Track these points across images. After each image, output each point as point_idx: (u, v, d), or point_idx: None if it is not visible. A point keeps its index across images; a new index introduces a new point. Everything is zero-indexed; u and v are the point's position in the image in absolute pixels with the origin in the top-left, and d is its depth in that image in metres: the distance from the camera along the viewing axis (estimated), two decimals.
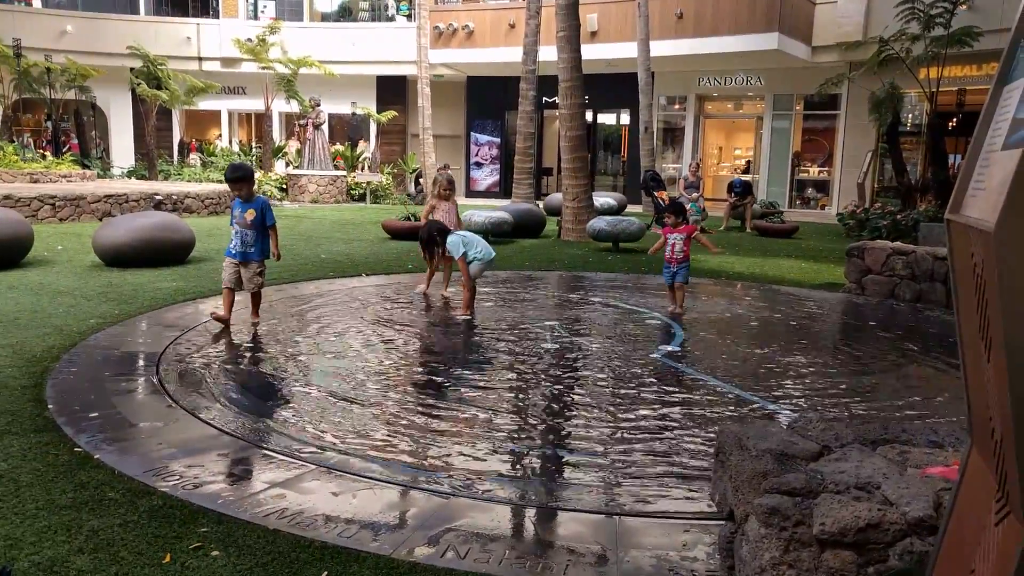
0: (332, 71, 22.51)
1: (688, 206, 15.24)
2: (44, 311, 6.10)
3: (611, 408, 4.27)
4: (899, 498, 1.87)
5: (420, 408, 4.19)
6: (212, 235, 11.35)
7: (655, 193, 15.35)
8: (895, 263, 8.10)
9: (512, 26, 21.09)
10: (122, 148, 26.37)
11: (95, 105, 26.05)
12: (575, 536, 2.79)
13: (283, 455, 3.42)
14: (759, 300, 7.92)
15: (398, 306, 7.03)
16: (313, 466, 3.31)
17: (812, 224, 17.02)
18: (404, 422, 3.94)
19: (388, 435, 3.74)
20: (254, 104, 25.11)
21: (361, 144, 25.46)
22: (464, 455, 3.50)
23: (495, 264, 7.39)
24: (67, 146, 24.00)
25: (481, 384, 4.71)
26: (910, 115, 19.82)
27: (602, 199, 16.69)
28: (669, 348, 5.69)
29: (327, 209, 18.41)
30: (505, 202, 16.88)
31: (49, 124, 24.40)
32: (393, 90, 25.43)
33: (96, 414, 3.86)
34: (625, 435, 3.84)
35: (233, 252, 5.94)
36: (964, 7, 15.05)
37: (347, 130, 26.55)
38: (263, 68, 22.56)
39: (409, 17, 25.48)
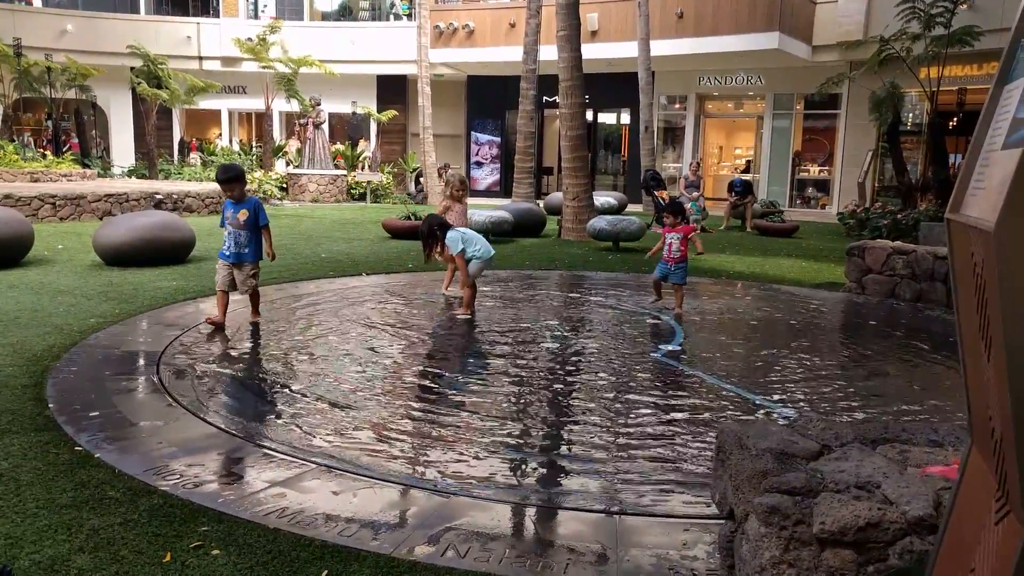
0: (332, 70, 22.50)
1: (689, 205, 15.30)
2: (44, 310, 6.11)
3: (611, 408, 4.27)
4: (899, 497, 1.87)
5: (420, 407, 4.19)
6: (212, 234, 11.34)
7: (655, 192, 15.35)
8: (895, 262, 8.11)
9: (512, 25, 21.09)
10: (122, 147, 26.38)
11: (95, 104, 26.05)
12: (575, 535, 2.79)
13: (283, 454, 3.42)
14: (759, 299, 7.92)
15: (398, 305, 7.03)
16: (313, 465, 3.31)
17: (812, 223, 17.01)
18: (404, 421, 3.94)
19: (388, 434, 3.74)
20: (254, 103, 25.11)
21: (361, 143, 25.47)
22: (464, 454, 3.51)
23: (495, 263, 7.38)
24: (67, 145, 23.99)
25: (481, 383, 4.72)
26: (911, 114, 19.81)
27: (602, 198, 16.69)
28: (669, 347, 5.69)
29: (327, 208, 18.41)
30: (505, 201, 16.89)
31: (49, 123, 24.38)
32: (393, 89, 25.42)
33: (96, 413, 3.86)
34: (625, 435, 3.84)
35: (227, 254, 5.87)
36: (965, 6, 15.05)
37: (347, 129, 26.55)
38: (263, 67, 22.56)
39: (410, 16, 25.48)
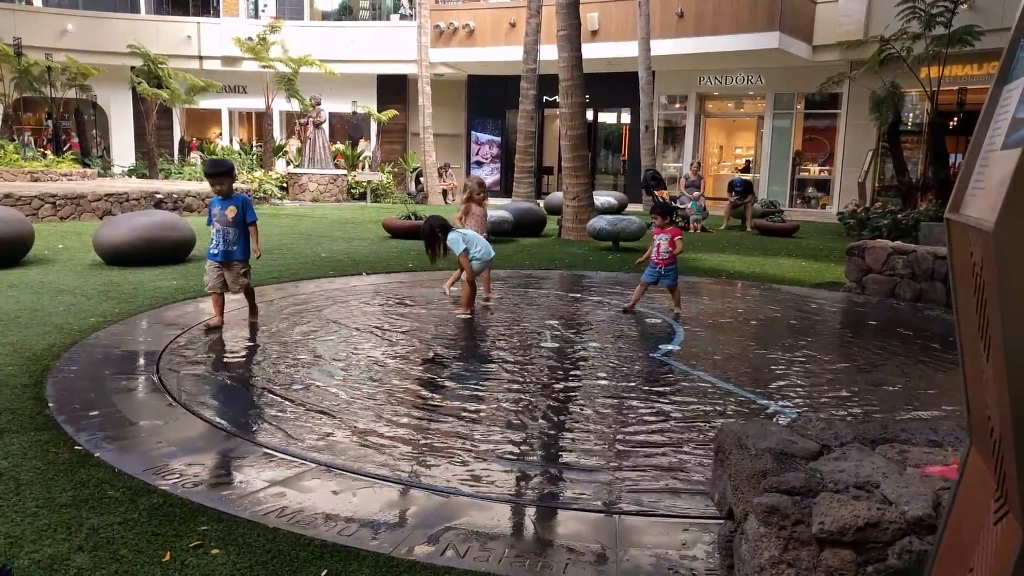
0: (333, 70, 22.50)
1: (689, 205, 15.32)
2: (44, 309, 6.11)
3: (610, 407, 4.27)
4: (898, 497, 1.87)
5: (420, 406, 4.19)
6: None
7: (656, 192, 15.36)
8: (895, 262, 8.10)
9: (513, 25, 21.09)
10: (123, 147, 26.38)
11: (96, 104, 26.05)
12: (575, 535, 2.79)
13: (283, 453, 3.42)
14: (759, 299, 7.92)
15: (398, 305, 7.03)
16: (313, 464, 3.31)
17: (813, 223, 17.01)
18: (404, 420, 3.94)
19: (389, 433, 3.74)
20: (255, 103, 25.11)
21: (362, 143, 25.47)
22: (464, 453, 3.50)
23: (495, 263, 7.38)
24: (68, 145, 23.99)
25: (481, 383, 4.72)
26: (911, 114, 19.81)
27: (603, 198, 16.68)
28: (669, 347, 5.69)
29: (328, 208, 18.41)
30: (506, 201, 16.89)
31: (50, 123, 24.40)
32: (394, 89, 25.42)
33: (96, 412, 3.86)
34: (625, 434, 3.84)
35: (214, 253, 5.76)
36: (965, 6, 15.05)
37: (348, 129, 26.54)
38: (264, 67, 22.56)
39: (403, 16, 25.49)
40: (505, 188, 23.27)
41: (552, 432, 3.88)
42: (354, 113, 24.37)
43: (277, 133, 25.45)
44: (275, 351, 5.28)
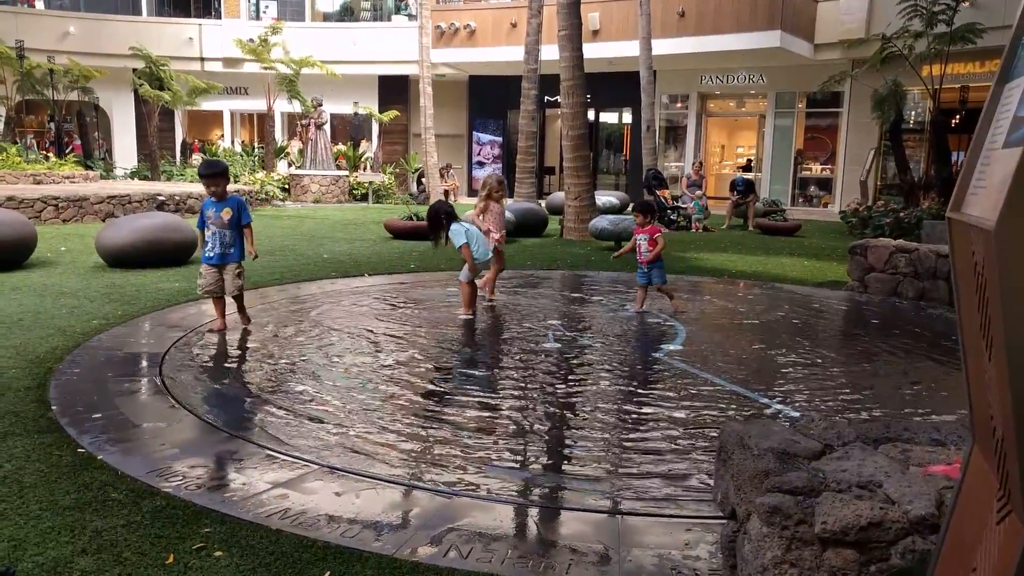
0: (334, 71, 22.52)
1: (691, 204, 15.31)
2: (47, 312, 6.12)
3: (613, 407, 4.27)
4: (901, 497, 1.87)
5: (422, 407, 4.19)
6: None
7: (657, 192, 15.35)
8: (898, 261, 8.09)
9: (514, 25, 21.09)
10: (125, 149, 26.42)
11: (98, 106, 26.09)
12: (577, 535, 2.79)
13: (286, 455, 3.42)
14: (762, 299, 7.91)
15: (400, 306, 7.04)
16: (316, 466, 3.31)
17: (815, 222, 16.99)
18: (407, 421, 3.94)
19: (391, 434, 3.74)
20: (256, 104, 25.14)
21: (363, 144, 25.48)
22: (466, 454, 3.51)
23: (500, 265, 7.39)
24: (70, 147, 24.05)
25: (482, 383, 4.72)
26: (913, 112, 19.78)
27: (604, 198, 16.68)
28: (672, 347, 5.69)
29: (329, 209, 18.43)
30: (507, 201, 16.83)
31: (52, 125, 24.45)
32: (395, 90, 25.43)
33: (99, 415, 3.87)
34: (627, 434, 3.84)
35: (210, 256, 5.69)
36: (967, 4, 15.03)
37: (349, 130, 26.56)
38: (265, 68, 22.58)
39: (410, 17, 25.50)
40: (507, 188, 23.26)
41: (554, 432, 3.88)
42: (355, 114, 24.39)
43: (279, 134, 25.48)
44: (277, 352, 5.28)
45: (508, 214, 12.45)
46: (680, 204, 15.45)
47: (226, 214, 5.68)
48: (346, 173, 21.54)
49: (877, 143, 19.44)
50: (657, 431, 3.88)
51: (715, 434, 3.48)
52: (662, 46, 18.91)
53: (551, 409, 4.22)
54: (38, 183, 16.61)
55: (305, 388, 4.48)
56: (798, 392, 4.63)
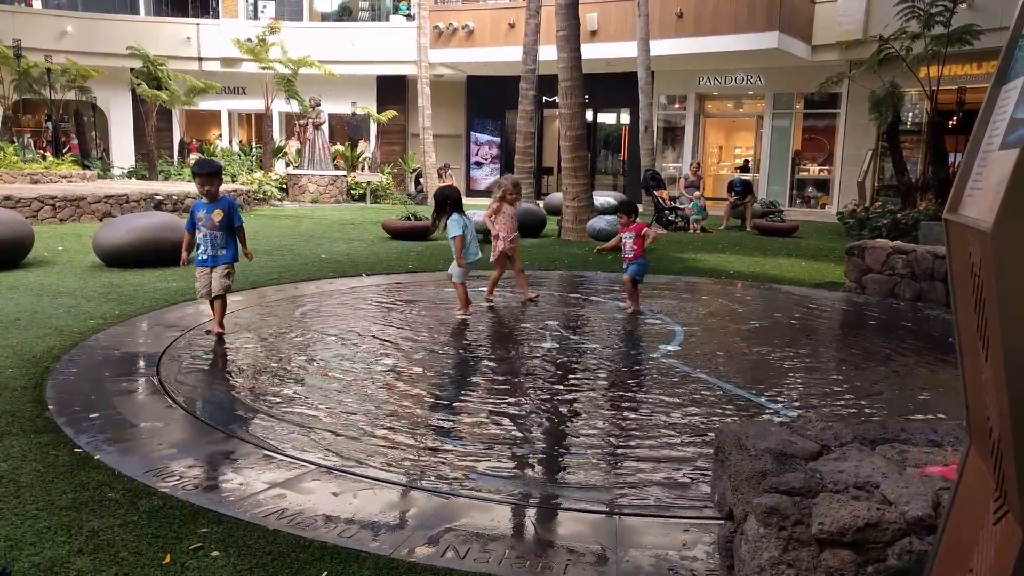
0: (332, 71, 22.51)
1: (689, 205, 15.32)
2: (44, 312, 6.11)
3: (611, 407, 4.27)
4: (898, 497, 1.87)
5: (420, 408, 4.19)
6: None
7: (655, 192, 15.36)
8: (895, 262, 8.10)
9: (512, 25, 21.09)
10: (122, 148, 26.38)
11: (95, 105, 26.05)
12: (575, 535, 2.79)
13: (283, 455, 3.42)
14: (759, 299, 7.92)
15: (398, 306, 7.03)
16: (313, 466, 3.31)
17: (812, 223, 17.01)
18: (405, 422, 3.94)
19: (389, 435, 3.74)
20: (254, 104, 25.11)
21: (361, 144, 25.46)
22: (464, 454, 3.51)
23: (478, 266, 7.31)
24: (67, 147, 24.01)
25: (480, 383, 4.72)
26: (910, 114, 19.81)
27: (602, 198, 16.67)
28: (669, 347, 5.69)
29: (327, 209, 18.42)
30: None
31: (49, 125, 24.40)
32: (393, 90, 25.43)
33: (96, 415, 3.86)
34: (625, 434, 3.84)
35: (204, 258, 5.62)
36: (964, 5, 15.05)
37: (347, 130, 26.54)
38: (263, 68, 22.56)
39: (409, 17, 25.48)
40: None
41: (551, 432, 3.88)
42: (353, 114, 24.37)
43: (277, 134, 25.46)
44: (275, 352, 5.28)
45: None
46: (678, 205, 15.47)
47: (217, 215, 5.61)
48: (344, 173, 21.52)
49: (874, 144, 19.47)
50: (654, 432, 3.88)
51: (712, 434, 3.49)
52: (660, 47, 18.93)
53: (548, 409, 4.21)
54: (35, 182, 16.58)
55: (303, 388, 4.48)
56: (795, 392, 4.63)
